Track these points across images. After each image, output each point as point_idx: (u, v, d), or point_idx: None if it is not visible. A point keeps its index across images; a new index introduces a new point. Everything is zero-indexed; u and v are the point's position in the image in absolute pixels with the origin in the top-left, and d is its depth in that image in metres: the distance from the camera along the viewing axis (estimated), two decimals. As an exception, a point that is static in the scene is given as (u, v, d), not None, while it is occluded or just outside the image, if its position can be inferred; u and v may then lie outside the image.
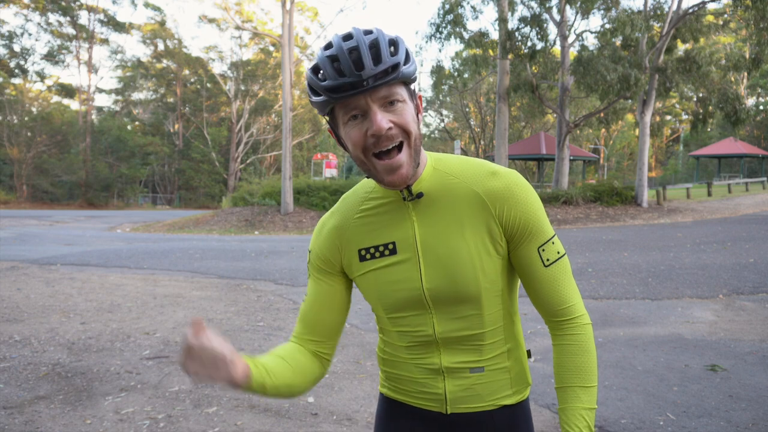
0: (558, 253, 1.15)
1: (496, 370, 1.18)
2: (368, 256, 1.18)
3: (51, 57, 44.48)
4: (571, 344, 1.15)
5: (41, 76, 46.22)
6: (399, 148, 1.05)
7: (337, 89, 1.01)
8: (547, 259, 1.13)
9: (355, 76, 0.99)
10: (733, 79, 21.95)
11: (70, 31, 44.43)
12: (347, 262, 1.21)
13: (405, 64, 1.04)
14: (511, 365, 1.20)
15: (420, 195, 1.12)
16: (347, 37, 1.03)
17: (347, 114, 1.05)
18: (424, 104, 33.84)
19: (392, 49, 1.03)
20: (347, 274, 1.25)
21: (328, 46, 1.04)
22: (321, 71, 1.04)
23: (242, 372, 1.03)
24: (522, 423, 1.23)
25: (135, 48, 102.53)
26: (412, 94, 1.10)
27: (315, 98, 1.06)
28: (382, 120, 1.02)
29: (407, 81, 1.07)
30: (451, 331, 1.15)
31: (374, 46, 1.01)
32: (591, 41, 21.51)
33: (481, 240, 1.12)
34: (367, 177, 1.16)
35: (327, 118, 1.12)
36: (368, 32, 1.04)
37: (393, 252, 1.15)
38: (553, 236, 1.15)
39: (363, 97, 1.02)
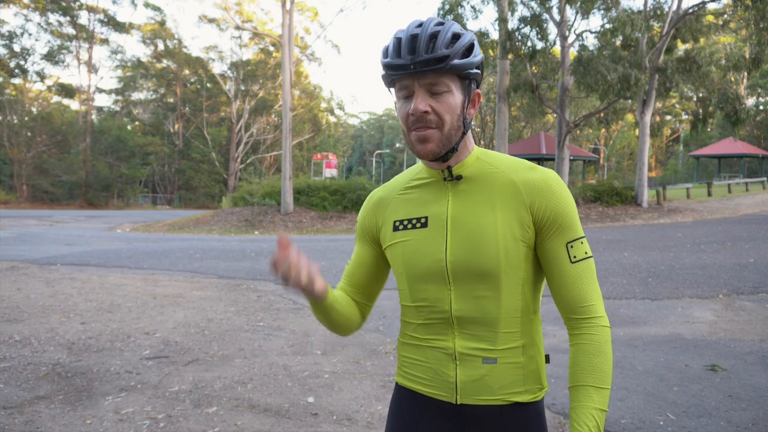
0: (586, 253, 1.18)
1: (509, 363, 1.18)
2: (401, 227, 1.27)
3: (51, 57, 44.47)
4: (588, 344, 1.15)
5: (41, 76, 46.21)
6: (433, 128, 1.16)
7: (391, 67, 1.14)
8: (574, 256, 1.16)
9: (407, 59, 1.11)
10: (733, 79, 21.93)
11: (70, 31, 44.43)
12: (383, 233, 1.31)
13: (461, 58, 1.13)
14: (525, 362, 1.20)
15: (459, 177, 1.21)
16: (419, 24, 1.15)
17: (399, 92, 1.17)
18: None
19: (452, 42, 1.13)
20: (382, 245, 1.34)
21: (401, 30, 1.17)
22: (387, 50, 1.16)
23: (323, 285, 1.17)
24: (534, 424, 1.21)
25: (135, 48, 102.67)
26: (467, 88, 1.18)
27: (382, 73, 1.19)
28: (421, 102, 1.13)
29: (460, 74, 1.15)
30: (466, 311, 1.18)
31: (434, 36, 1.12)
32: (591, 41, 21.49)
33: (509, 224, 1.17)
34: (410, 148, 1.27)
35: (391, 92, 1.23)
36: (440, 23, 1.15)
37: (424, 225, 1.23)
38: (583, 237, 1.19)
39: (411, 79, 1.14)
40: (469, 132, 1.22)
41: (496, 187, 1.19)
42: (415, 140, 1.17)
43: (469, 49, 1.15)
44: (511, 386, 1.19)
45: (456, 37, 1.14)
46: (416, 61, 1.10)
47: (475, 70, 1.17)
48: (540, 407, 1.24)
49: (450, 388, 1.21)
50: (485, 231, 1.17)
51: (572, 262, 1.16)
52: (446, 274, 1.19)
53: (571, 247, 1.16)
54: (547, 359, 1.26)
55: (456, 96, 1.15)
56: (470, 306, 1.18)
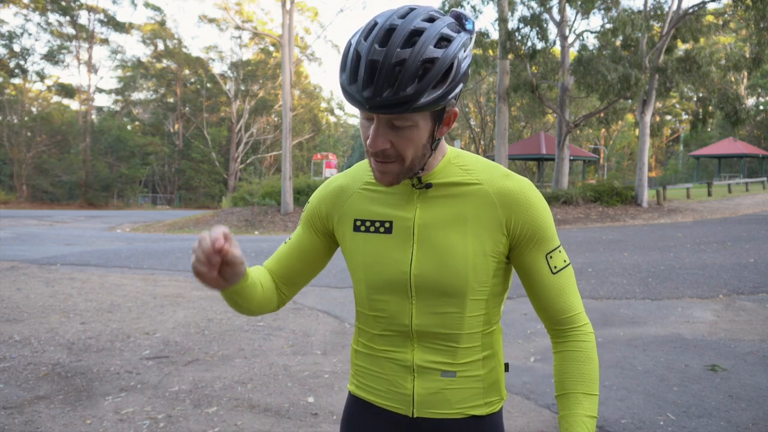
0: (564, 261, 1.14)
1: (468, 377, 1.15)
2: (362, 228, 1.17)
3: (51, 57, 44.47)
4: (576, 351, 1.13)
5: (41, 76, 46.22)
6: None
7: (345, 92, 0.99)
8: (555, 267, 1.12)
9: (363, 95, 0.94)
10: (733, 79, 21.95)
11: (70, 31, 44.43)
12: (340, 227, 1.21)
13: (434, 88, 0.94)
14: (485, 374, 1.16)
15: (429, 185, 1.11)
16: (382, 41, 0.93)
17: (361, 113, 1.04)
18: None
19: (423, 68, 0.93)
20: (334, 238, 1.25)
21: (367, 34, 0.96)
22: (345, 65, 0.98)
23: (241, 270, 1.02)
24: None
25: (135, 48, 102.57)
26: (439, 114, 1.03)
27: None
28: (378, 138, 1.00)
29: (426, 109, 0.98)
30: (428, 326, 1.13)
31: (397, 65, 0.92)
32: (591, 41, 21.49)
33: (480, 239, 1.10)
34: None
35: None
36: (416, 33, 0.93)
37: (388, 231, 1.14)
38: (560, 245, 1.15)
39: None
40: (442, 139, 1.12)
41: (468, 198, 1.10)
42: (374, 167, 1.07)
43: (449, 70, 0.95)
44: (470, 399, 1.15)
45: (429, 61, 0.93)
46: (373, 104, 0.93)
47: (452, 96, 0.99)
48: (498, 418, 1.21)
49: (406, 401, 1.17)
50: (454, 247, 1.10)
51: (553, 273, 1.12)
52: (409, 286, 1.12)
53: (551, 257, 1.12)
54: (506, 368, 1.23)
55: (422, 129, 1.01)
56: (432, 321, 1.12)
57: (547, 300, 1.13)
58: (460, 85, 1.00)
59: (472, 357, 1.15)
